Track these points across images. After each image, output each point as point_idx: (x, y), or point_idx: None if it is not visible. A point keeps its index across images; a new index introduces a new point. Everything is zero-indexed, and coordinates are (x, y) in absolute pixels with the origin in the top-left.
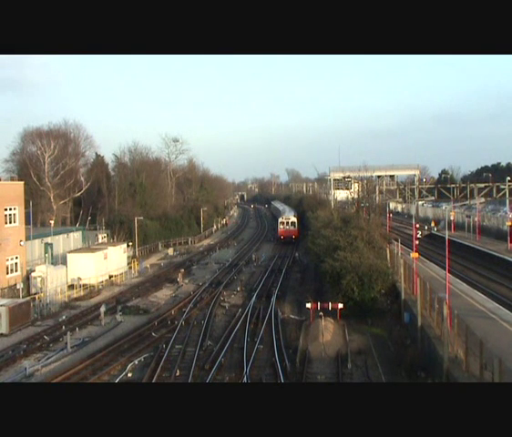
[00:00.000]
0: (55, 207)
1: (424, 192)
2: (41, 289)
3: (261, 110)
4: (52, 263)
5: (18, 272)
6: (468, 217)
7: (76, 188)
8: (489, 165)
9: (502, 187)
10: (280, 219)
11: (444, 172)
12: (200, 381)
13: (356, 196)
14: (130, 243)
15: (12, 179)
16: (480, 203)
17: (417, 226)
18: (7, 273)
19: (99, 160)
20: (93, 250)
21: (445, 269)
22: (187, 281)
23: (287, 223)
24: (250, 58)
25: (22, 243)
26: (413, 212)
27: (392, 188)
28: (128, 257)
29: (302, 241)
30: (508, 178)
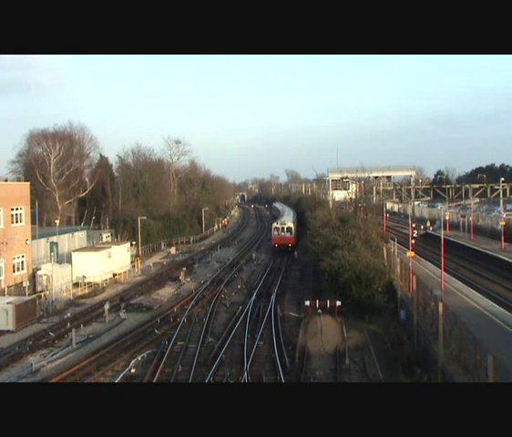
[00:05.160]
0: (60, 207)
1: (420, 192)
2: (47, 286)
3: (260, 112)
4: (57, 262)
5: (24, 271)
6: (463, 216)
7: (81, 189)
8: (484, 166)
9: (496, 187)
10: (274, 225)
11: (439, 173)
12: (200, 381)
13: (354, 196)
14: (134, 242)
15: (18, 180)
16: (475, 203)
17: (413, 225)
18: (14, 271)
19: (103, 161)
20: (97, 249)
21: (440, 268)
22: (189, 280)
23: (282, 229)
24: (249, 58)
25: (28, 242)
26: (409, 212)
27: (388, 188)
28: (132, 256)
29: (302, 241)
30: (502, 179)
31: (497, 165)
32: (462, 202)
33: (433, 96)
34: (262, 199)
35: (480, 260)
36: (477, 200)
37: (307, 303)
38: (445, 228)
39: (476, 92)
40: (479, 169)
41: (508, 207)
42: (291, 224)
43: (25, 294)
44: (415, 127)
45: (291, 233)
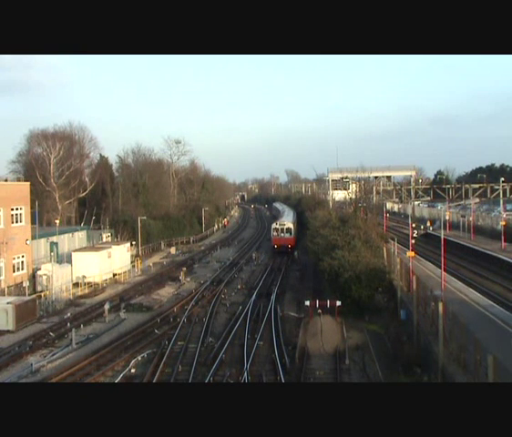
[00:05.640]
0: (60, 207)
1: (420, 192)
2: (47, 286)
3: (260, 112)
4: (57, 262)
5: (24, 270)
6: (463, 216)
7: (81, 189)
8: (484, 166)
9: (496, 187)
10: (273, 225)
11: (439, 173)
12: (200, 381)
13: (354, 196)
14: (134, 242)
15: (18, 180)
16: (475, 203)
17: (413, 225)
18: (14, 271)
19: (103, 161)
20: (97, 249)
21: (440, 268)
22: (189, 279)
23: (281, 230)
24: (249, 58)
25: (28, 242)
26: (409, 212)
27: (388, 188)
28: (132, 255)
29: (302, 241)
30: (502, 179)
31: (497, 165)
32: (462, 202)
33: (433, 96)
34: (262, 199)
35: (480, 260)
36: (477, 200)
37: (307, 303)
38: (445, 228)
39: (476, 92)
40: (479, 169)
41: (508, 207)
42: (290, 224)
43: (25, 294)
44: (415, 127)
45: (290, 234)
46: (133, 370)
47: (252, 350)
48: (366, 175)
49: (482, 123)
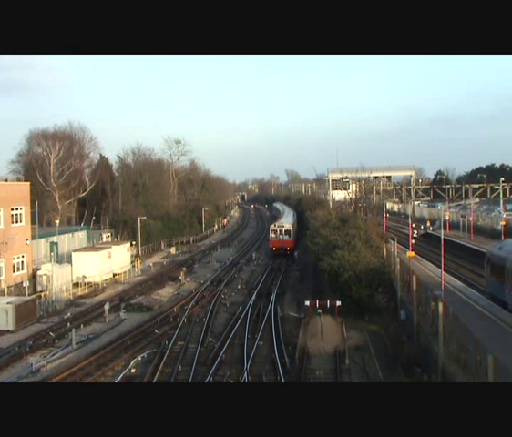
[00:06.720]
0: (60, 207)
1: (420, 192)
2: (47, 286)
3: (260, 111)
4: (57, 262)
5: (24, 271)
6: (463, 216)
7: (81, 189)
8: (484, 166)
9: (496, 187)
10: (271, 227)
11: (439, 173)
12: (200, 381)
13: (354, 196)
14: (134, 242)
15: (18, 180)
16: (475, 203)
17: (413, 225)
18: (14, 271)
19: (103, 161)
20: (97, 249)
21: (440, 268)
22: (189, 279)
23: (280, 232)
24: (249, 58)
25: (28, 242)
26: (409, 212)
27: (388, 188)
28: (132, 256)
29: (302, 241)
30: (502, 179)
31: (497, 165)
32: (462, 202)
33: (433, 96)
34: (262, 199)
35: (480, 260)
36: (477, 200)
37: (307, 303)
38: (445, 228)
39: (476, 92)
40: (479, 169)
41: (508, 207)
42: (289, 226)
43: (25, 294)
44: (415, 126)
45: (289, 236)
46: (133, 370)
47: (252, 350)
48: (366, 175)
49: (482, 123)
